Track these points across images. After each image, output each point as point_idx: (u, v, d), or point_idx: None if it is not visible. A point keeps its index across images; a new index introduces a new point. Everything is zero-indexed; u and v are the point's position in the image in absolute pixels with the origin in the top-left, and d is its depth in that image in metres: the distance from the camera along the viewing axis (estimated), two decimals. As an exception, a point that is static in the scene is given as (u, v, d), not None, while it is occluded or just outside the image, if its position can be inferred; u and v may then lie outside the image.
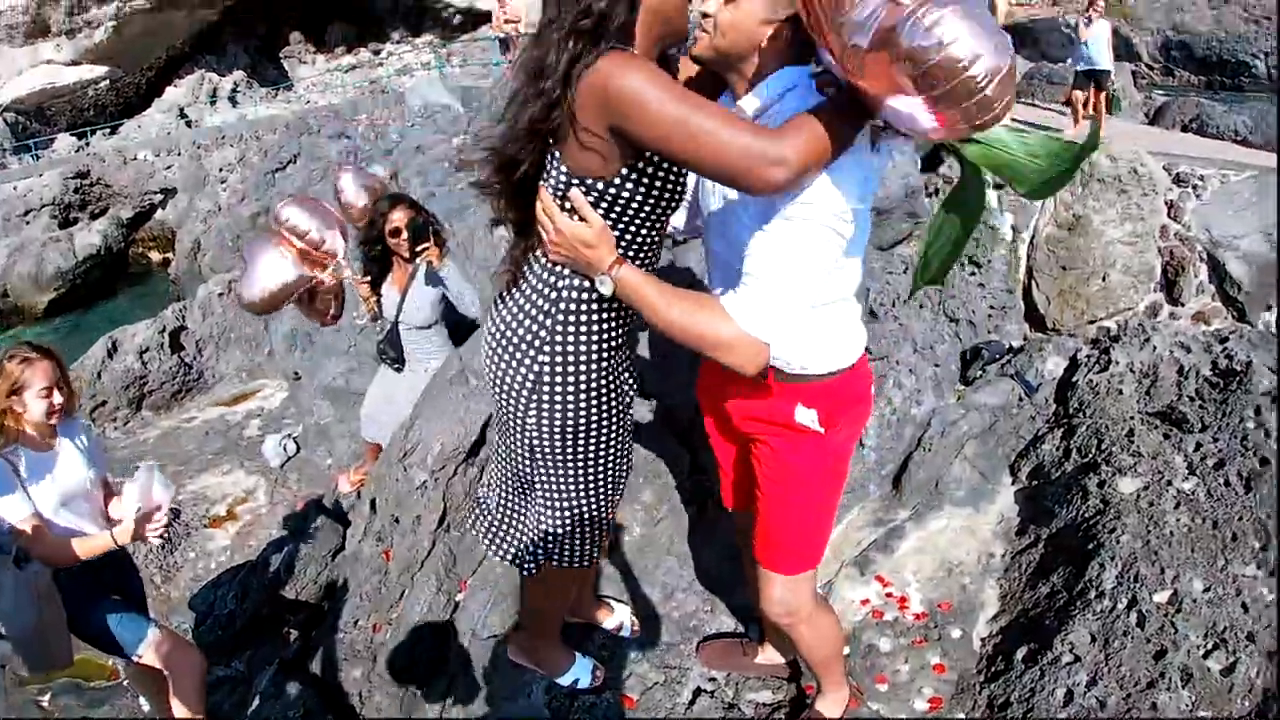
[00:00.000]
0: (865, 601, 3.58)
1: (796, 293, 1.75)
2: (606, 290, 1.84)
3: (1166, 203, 6.31)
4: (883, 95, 1.56)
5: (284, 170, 13.80)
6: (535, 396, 2.07)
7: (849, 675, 3.20)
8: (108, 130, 28.33)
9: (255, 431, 7.95)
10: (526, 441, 2.16)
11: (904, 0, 1.47)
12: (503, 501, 2.50)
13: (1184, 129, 13.18)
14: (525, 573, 2.49)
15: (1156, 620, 3.09)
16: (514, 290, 2.11)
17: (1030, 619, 3.39)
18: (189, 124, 28.42)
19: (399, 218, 4.42)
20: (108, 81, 28.76)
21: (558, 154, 1.87)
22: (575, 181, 1.87)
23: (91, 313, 20.69)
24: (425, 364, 4.67)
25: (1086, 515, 3.58)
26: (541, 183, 1.94)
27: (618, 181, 1.86)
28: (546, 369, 2.04)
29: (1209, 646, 3.01)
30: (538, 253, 2.03)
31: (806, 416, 2.06)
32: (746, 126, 1.67)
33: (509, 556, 2.53)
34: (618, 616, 3.18)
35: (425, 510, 3.72)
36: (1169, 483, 3.63)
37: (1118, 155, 6.17)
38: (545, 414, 2.09)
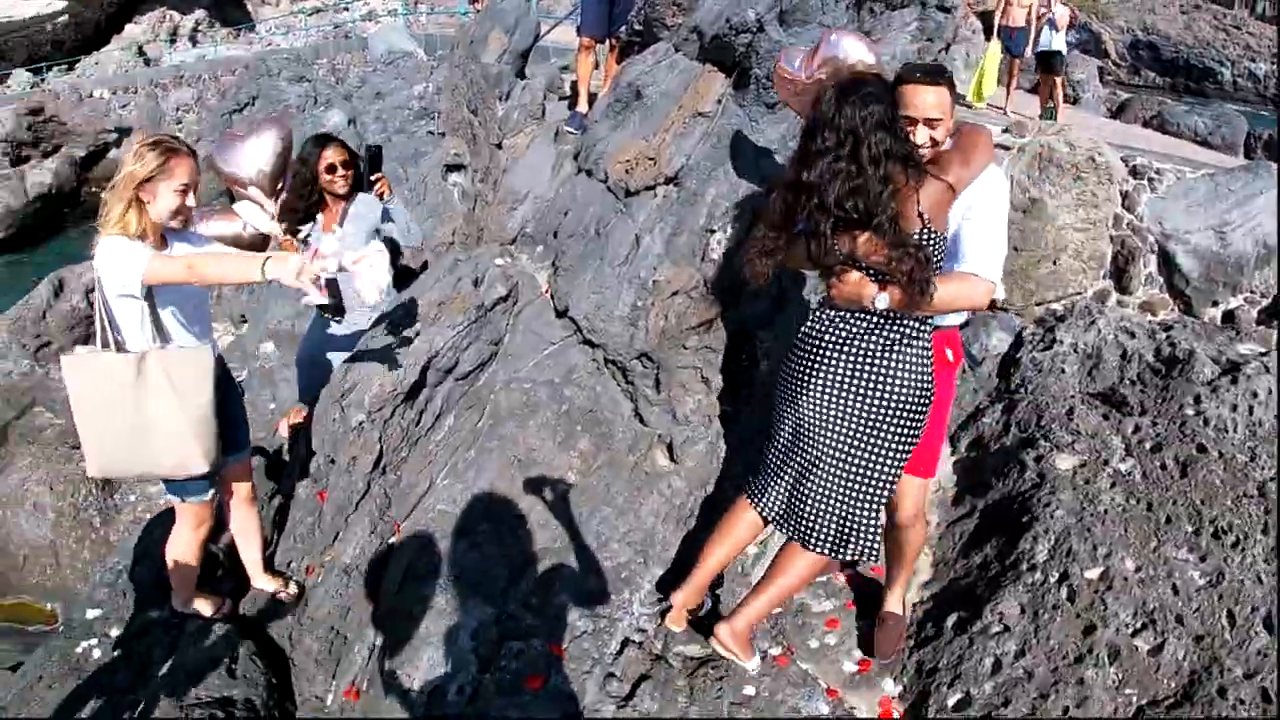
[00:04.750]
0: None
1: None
2: (883, 304, 2.55)
3: (1121, 193, 6.41)
4: None
5: (241, 112, 13.42)
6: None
7: (781, 635, 3.26)
8: (65, 67, 27.34)
9: (201, 377, 7.75)
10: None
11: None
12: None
13: (1145, 125, 13.40)
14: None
15: (1087, 596, 3.14)
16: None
17: (962, 587, 3.44)
18: (147, 62, 27.45)
19: (332, 155, 4.29)
20: (66, 16, 27.78)
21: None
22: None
23: (40, 252, 20.08)
24: (364, 309, 4.53)
25: (1023, 489, 3.64)
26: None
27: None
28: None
29: (1138, 625, 3.06)
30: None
31: (948, 354, 2.89)
32: None
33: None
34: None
35: (361, 451, 3.67)
36: (1106, 462, 3.69)
37: (1076, 143, 6.25)
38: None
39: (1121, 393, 4.07)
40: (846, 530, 2.72)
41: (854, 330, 2.63)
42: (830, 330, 2.67)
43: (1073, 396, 4.08)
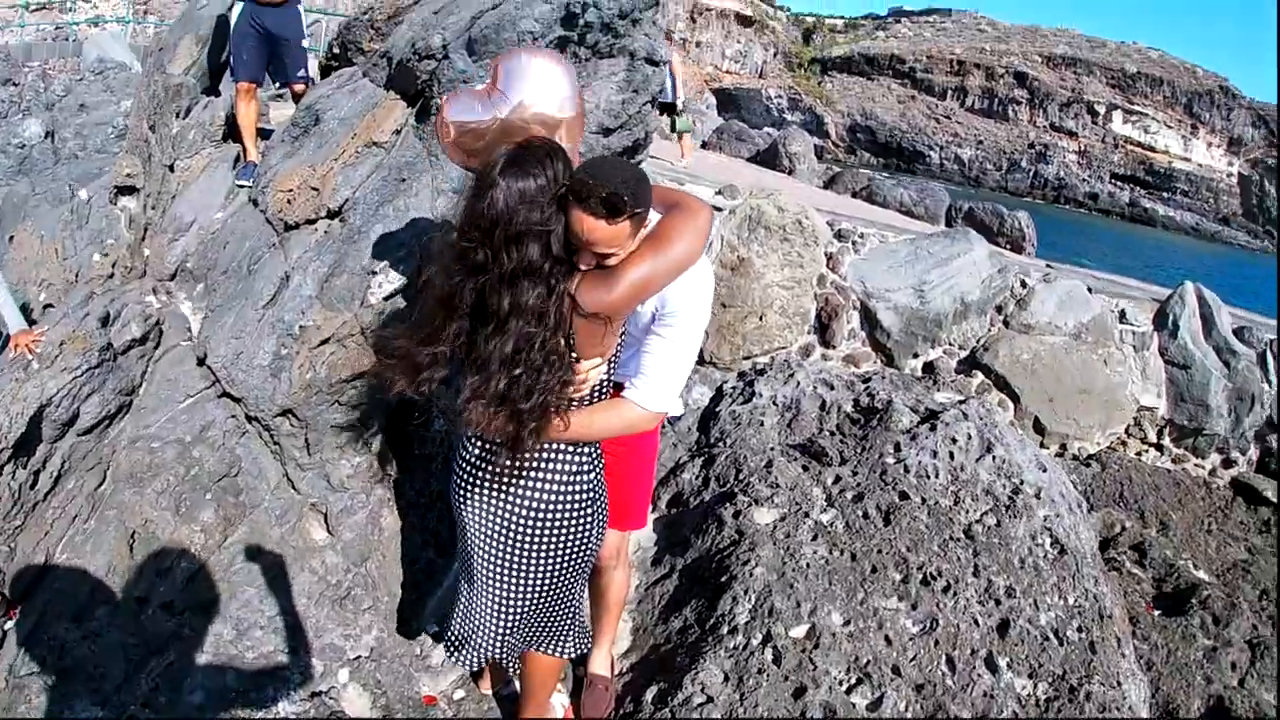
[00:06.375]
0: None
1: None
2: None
3: (826, 254, 6.71)
4: None
5: (-62, 116, 11.75)
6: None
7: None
8: None
9: None
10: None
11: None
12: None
13: (855, 195, 14.56)
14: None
15: (794, 656, 2.98)
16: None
17: (662, 655, 3.20)
18: None
19: None
20: None
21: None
22: None
23: None
24: None
25: (721, 546, 3.48)
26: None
27: None
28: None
29: (853, 681, 2.92)
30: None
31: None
32: None
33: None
34: None
35: (-37, 518, 3.01)
36: (806, 514, 3.60)
37: (785, 207, 6.48)
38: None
39: (820, 443, 4.06)
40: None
41: (492, 453, 2.32)
42: (473, 449, 2.38)
43: (772, 449, 4.02)
